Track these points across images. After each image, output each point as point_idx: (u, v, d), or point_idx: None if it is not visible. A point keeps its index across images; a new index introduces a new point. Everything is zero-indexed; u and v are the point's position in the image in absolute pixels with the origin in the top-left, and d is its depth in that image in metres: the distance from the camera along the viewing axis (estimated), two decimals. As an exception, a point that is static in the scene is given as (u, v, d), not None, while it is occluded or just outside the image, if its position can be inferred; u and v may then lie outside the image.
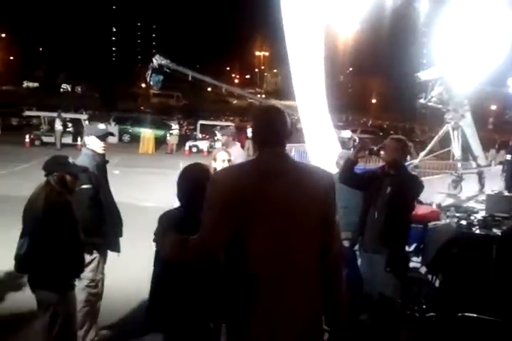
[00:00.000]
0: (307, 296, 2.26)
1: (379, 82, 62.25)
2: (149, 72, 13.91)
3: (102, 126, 4.52)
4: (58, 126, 23.49)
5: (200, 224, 2.29)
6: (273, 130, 2.34)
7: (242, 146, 23.20)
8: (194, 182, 2.80)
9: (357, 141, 24.99)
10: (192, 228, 2.36)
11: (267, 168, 2.30)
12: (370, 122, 49.67)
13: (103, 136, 4.36)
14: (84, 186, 4.04)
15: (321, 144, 7.04)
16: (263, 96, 56.39)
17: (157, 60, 13.78)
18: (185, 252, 2.34)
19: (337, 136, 12.36)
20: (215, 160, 4.62)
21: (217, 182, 2.33)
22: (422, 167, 10.20)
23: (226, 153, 4.68)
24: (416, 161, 10.43)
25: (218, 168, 4.47)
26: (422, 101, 9.49)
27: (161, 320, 2.84)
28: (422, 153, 10.43)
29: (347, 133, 19.01)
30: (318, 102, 7.26)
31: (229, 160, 4.52)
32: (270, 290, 2.20)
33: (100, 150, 4.34)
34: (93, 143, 4.33)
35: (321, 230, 2.32)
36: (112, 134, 4.69)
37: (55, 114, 25.11)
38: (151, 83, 14.16)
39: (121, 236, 4.47)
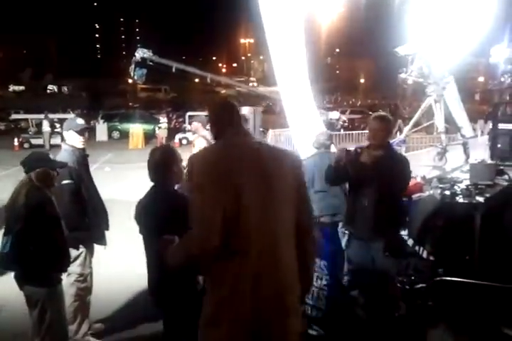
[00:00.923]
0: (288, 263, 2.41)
1: (366, 62, 62.07)
2: (132, 65, 13.83)
3: (80, 120, 4.52)
4: (46, 127, 23.45)
5: (187, 208, 2.36)
6: (233, 113, 2.58)
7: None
8: (161, 161, 3.07)
9: (346, 121, 25.08)
10: (166, 200, 2.86)
11: (239, 144, 2.46)
12: (359, 102, 49.64)
13: (81, 131, 4.37)
14: (65, 181, 4.06)
15: (305, 127, 7.04)
16: (254, 84, 56.07)
17: (139, 54, 13.67)
18: (188, 251, 2.38)
19: (324, 117, 12.38)
20: (193, 146, 4.64)
21: (199, 164, 2.41)
22: (409, 142, 10.24)
23: (205, 140, 4.69)
24: (401, 136, 10.49)
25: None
26: (402, 76, 9.49)
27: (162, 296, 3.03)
28: (407, 128, 10.45)
29: (335, 115, 19.06)
30: (300, 86, 7.24)
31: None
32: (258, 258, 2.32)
33: (80, 145, 4.34)
34: (72, 138, 4.33)
35: (296, 204, 2.44)
36: (88, 128, 4.68)
37: (42, 116, 25.03)
38: (135, 77, 14.07)
39: (107, 229, 4.49)
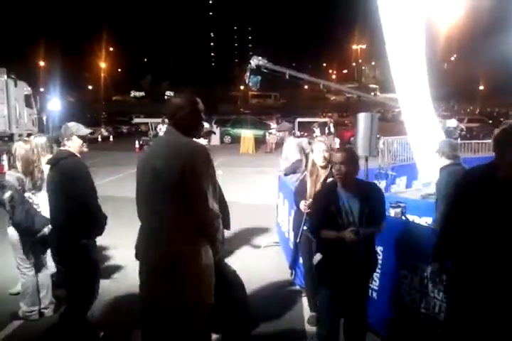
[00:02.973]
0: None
1: (485, 68, 58.74)
2: (247, 73, 14.15)
3: (204, 124, 4.71)
4: (163, 130, 24.73)
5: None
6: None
7: (344, 142, 22.97)
8: None
9: (464, 130, 23.90)
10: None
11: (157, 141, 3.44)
12: (478, 110, 47.02)
13: (207, 134, 4.60)
14: None
15: (424, 135, 6.84)
16: (378, 93, 54.85)
17: (254, 61, 14.01)
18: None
19: (442, 125, 11.91)
20: (312, 151, 4.65)
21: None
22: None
23: (323, 143, 4.69)
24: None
25: (317, 160, 4.51)
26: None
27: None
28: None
29: (453, 123, 18.20)
30: (420, 92, 7.05)
31: (327, 150, 4.52)
32: None
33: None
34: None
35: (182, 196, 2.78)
36: (212, 132, 4.80)
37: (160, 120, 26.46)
38: (250, 84, 14.38)
39: (227, 229, 4.65)
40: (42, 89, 30.93)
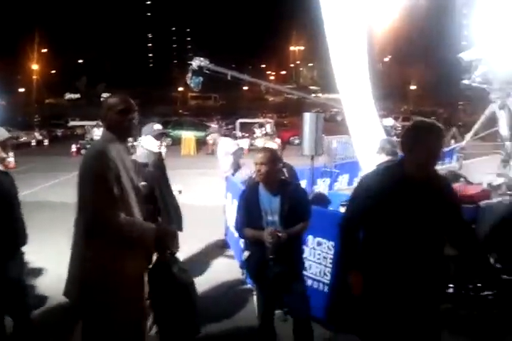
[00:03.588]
0: None
1: (418, 69, 61.05)
2: (189, 74, 14.11)
3: (157, 126, 4.71)
4: (98, 134, 24.11)
5: None
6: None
7: (285, 141, 23.27)
8: None
9: (399, 128, 24.72)
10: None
11: None
12: (411, 109, 48.82)
13: (158, 136, 4.57)
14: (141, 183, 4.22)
15: (366, 134, 7.03)
16: (319, 95, 55.49)
17: (196, 62, 13.98)
18: None
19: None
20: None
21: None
22: (468, 149, 10.04)
23: (274, 143, 4.78)
24: (463, 143, 10.28)
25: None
26: (466, 82, 9.31)
27: None
28: (469, 135, 10.24)
29: (389, 121, 18.81)
30: (362, 92, 7.23)
31: (278, 150, 4.61)
32: None
33: (156, 149, 4.52)
34: (149, 143, 4.49)
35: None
36: (165, 133, 4.82)
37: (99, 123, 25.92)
38: (192, 85, 14.33)
39: (180, 230, 4.63)
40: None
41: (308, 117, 6.74)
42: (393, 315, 2.89)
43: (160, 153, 4.57)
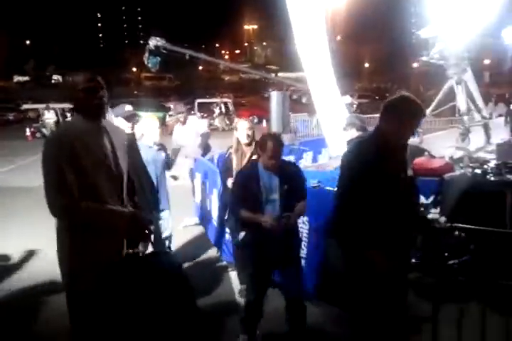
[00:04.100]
0: None
1: (370, 47, 61.70)
2: (146, 54, 13.90)
3: (128, 107, 4.67)
4: (49, 117, 23.45)
5: None
6: None
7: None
8: None
9: (356, 105, 25.10)
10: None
11: None
12: (366, 86, 49.46)
13: (129, 117, 4.54)
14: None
15: (332, 111, 7.17)
16: (279, 74, 55.23)
17: (153, 42, 13.77)
18: None
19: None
20: (236, 129, 4.75)
21: None
22: (425, 124, 10.39)
23: (247, 122, 4.81)
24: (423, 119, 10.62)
25: (241, 138, 4.63)
26: (424, 58, 9.57)
27: None
28: (428, 110, 10.55)
29: (347, 99, 19.02)
30: (325, 70, 7.33)
31: (250, 128, 4.66)
32: None
33: (128, 130, 4.48)
34: (120, 125, 4.46)
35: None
36: (136, 115, 4.77)
37: (58, 105, 25.39)
38: (149, 65, 14.14)
39: (155, 210, 4.67)
40: None
41: (275, 96, 6.82)
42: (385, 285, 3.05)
43: (133, 134, 4.55)
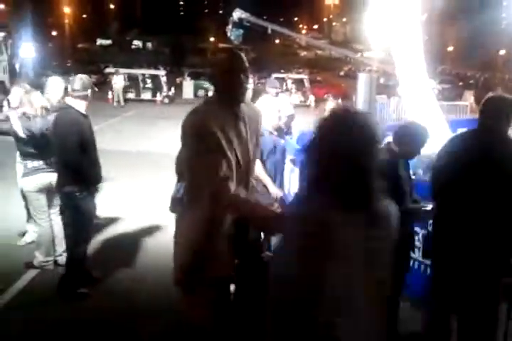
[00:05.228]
0: None
1: (457, 30, 58.97)
2: (230, 26, 13.89)
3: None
4: (118, 83, 23.91)
5: None
6: None
7: (320, 99, 22.75)
8: None
9: (437, 91, 24.12)
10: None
11: None
12: (448, 71, 47.37)
13: None
14: None
15: (419, 95, 6.96)
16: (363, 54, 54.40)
17: (237, 14, 13.74)
18: None
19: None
20: (325, 110, 4.73)
21: None
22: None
23: (336, 103, 4.79)
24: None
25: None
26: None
27: None
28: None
29: (431, 83, 18.31)
30: (415, 53, 7.10)
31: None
32: None
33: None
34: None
35: None
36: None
37: (134, 71, 26.06)
38: (232, 37, 14.14)
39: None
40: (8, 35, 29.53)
41: (363, 78, 6.71)
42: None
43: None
